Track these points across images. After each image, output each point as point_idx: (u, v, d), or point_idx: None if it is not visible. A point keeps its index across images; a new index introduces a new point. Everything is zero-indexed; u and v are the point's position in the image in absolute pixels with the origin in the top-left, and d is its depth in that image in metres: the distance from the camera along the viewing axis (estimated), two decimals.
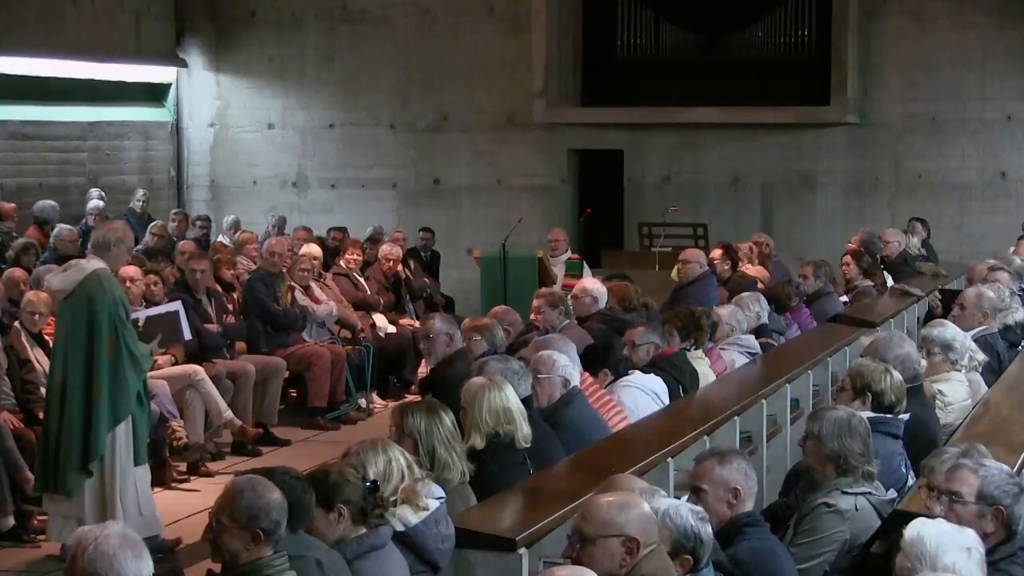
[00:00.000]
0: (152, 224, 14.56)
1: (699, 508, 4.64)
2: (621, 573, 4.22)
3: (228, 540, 4.26)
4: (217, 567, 4.37)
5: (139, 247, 14.07)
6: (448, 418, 5.63)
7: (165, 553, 7.81)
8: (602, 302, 9.73)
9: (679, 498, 4.89)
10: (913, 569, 4.14)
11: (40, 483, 8.05)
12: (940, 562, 4.13)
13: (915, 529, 4.26)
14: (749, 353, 9.18)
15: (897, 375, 6.52)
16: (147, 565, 3.78)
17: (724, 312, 9.40)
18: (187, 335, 10.02)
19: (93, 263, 7.84)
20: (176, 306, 9.99)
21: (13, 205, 14.39)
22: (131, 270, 10.58)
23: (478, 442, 5.94)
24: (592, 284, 9.99)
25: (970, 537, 4.29)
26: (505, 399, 6.06)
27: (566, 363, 7.07)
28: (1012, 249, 12.97)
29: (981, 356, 8.32)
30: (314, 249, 13.12)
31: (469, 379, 6.35)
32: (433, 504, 5.05)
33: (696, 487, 5.09)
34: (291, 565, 4.37)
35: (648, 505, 4.38)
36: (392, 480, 5.02)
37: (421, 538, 4.97)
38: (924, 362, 7.40)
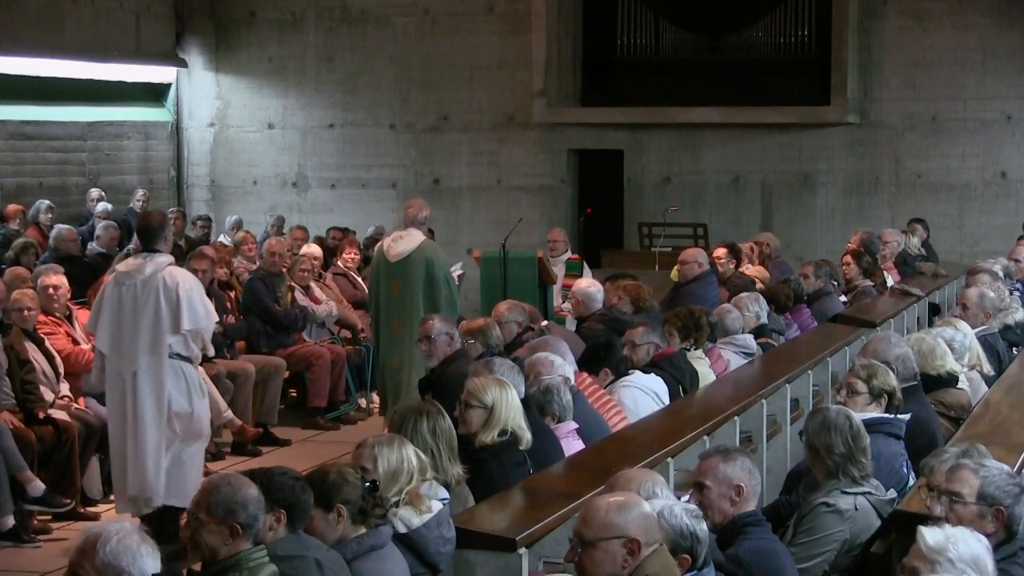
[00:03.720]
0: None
1: (693, 506, 4.64)
2: (624, 574, 4.21)
3: (206, 536, 4.27)
4: (199, 566, 4.38)
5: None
6: (444, 422, 5.61)
7: None
8: (596, 303, 9.73)
9: (679, 499, 4.88)
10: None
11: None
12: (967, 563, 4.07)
13: (941, 535, 4.12)
14: (745, 353, 9.17)
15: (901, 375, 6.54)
16: (158, 563, 3.90)
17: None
18: None
19: (418, 234, 10.33)
20: None
21: (20, 206, 14.40)
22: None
23: (493, 437, 5.94)
24: (585, 285, 9.99)
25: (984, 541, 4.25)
26: (517, 397, 6.11)
27: (561, 363, 7.09)
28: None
29: (987, 368, 8.31)
30: (314, 249, 13.12)
31: (474, 377, 6.36)
32: (436, 506, 5.05)
33: (699, 483, 5.09)
34: (291, 565, 4.38)
35: (648, 505, 4.38)
36: (399, 480, 5.02)
37: (423, 540, 4.96)
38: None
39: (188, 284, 8.35)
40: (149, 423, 8.20)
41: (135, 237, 13.83)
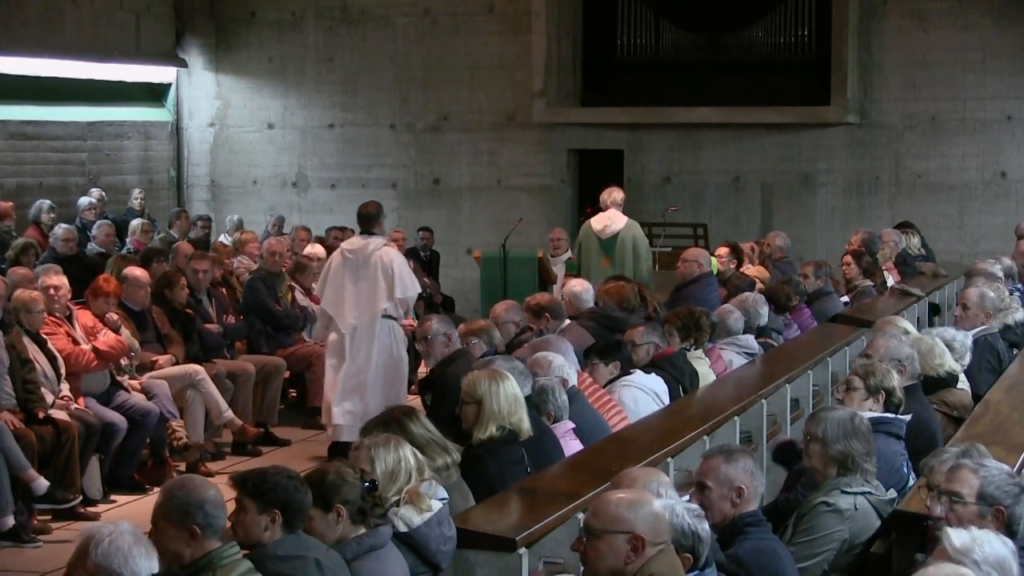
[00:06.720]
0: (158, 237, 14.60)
1: (695, 506, 4.63)
2: (627, 571, 4.22)
3: (167, 542, 4.25)
4: None
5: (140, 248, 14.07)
6: (415, 427, 5.55)
7: None
8: (584, 302, 9.71)
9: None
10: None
11: None
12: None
13: (967, 536, 4.09)
14: (747, 354, 9.16)
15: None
16: (155, 564, 3.88)
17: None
18: None
19: (621, 216, 12.32)
20: None
21: (10, 204, 14.35)
22: (137, 271, 10.62)
23: (493, 431, 5.95)
24: (574, 285, 10.00)
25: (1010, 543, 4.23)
26: (515, 387, 6.10)
27: (562, 363, 7.09)
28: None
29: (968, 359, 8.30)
30: (318, 250, 13.13)
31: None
32: (436, 505, 5.05)
33: (701, 483, 5.09)
34: (290, 565, 4.37)
35: (659, 504, 4.37)
36: (398, 480, 5.02)
37: (424, 539, 4.96)
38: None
39: (399, 261, 10.52)
40: (370, 368, 10.28)
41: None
